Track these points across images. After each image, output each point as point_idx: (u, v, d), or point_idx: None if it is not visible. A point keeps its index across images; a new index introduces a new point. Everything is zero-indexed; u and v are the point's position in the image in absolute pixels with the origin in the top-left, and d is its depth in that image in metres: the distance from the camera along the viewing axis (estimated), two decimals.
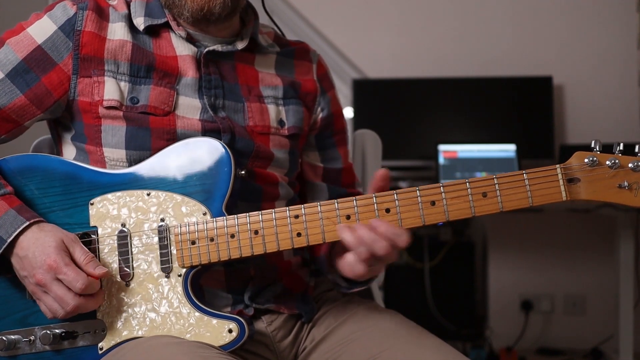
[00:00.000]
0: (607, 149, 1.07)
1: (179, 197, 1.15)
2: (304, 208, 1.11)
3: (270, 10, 1.49)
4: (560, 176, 1.06)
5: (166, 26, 1.26)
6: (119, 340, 1.13)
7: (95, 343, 1.13)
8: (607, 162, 1.05)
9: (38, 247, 1.09)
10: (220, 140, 1.18)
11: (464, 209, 1.07)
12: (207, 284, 1.20)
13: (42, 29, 1.21)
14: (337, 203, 1.10)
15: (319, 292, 1.36)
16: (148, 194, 1.16)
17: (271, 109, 1.31)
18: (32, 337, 1.14)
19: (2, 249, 1.10)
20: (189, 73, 1.24)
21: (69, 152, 1.26)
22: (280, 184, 1.30)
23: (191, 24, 1.26)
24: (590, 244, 3.51)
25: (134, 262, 1.15)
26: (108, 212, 1.16)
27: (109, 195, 1.16)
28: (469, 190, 1.07)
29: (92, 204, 1.17)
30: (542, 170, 1.07)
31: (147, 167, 1.17)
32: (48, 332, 1.12)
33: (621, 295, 2.93)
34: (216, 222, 1.13)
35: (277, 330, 1.25)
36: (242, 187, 1.20)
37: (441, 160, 3.05)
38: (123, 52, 1.21)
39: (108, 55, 1.21)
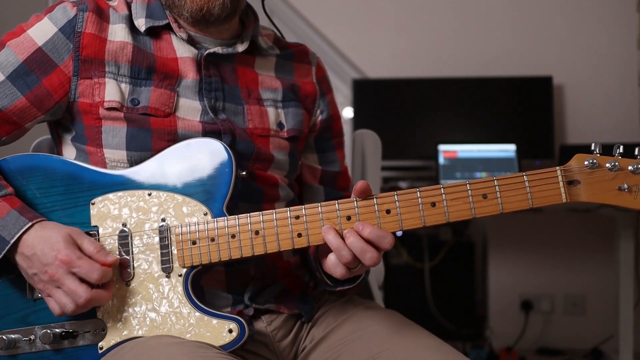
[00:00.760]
0: (607, 149, 1.07)
1: (180, 197, 1.15)
2: (304, 209, 1.11)
3: (270, 10, 1.50)
4: (560, 178, 1.07)
5: (167, 28, 1.26)
6: (119, 340, 1.13)
7: (95, 342, 1.13)
8: (607, 165, 1.05)
9: (46, 244, 1.09)
10: (221, 141, 1.18)
11: (464, 210, 1.07)
12: (208, 284, 1.20)
13: (42, 31, 1.21)
14: (338, 204, 1.10)
15: (319, 292, 1.36)
16: (149, 194, 1.16)
17: (270, 111, 1.31)
18: (32, 337, 1.14)
19: (5, 250, 1.10)
20: (190, 75, 1.24)
21: (69, 153, 1.26)
22: (281, 186, 1.30)
23: (191, 24, 1.27)
24: (590, 244, 3.51)
25: (134, 261, 1.15)
26: (109, 212, 1.16)
27: (110, 195, 1.17)
28: (469, 191, 1.08)
29: (93, 204, 1.17)
30: (542, 172, 1.08)
31: (148, 168, 1.18)
32: (48, 331, 1.13)
33: (621, 295, 2.93)
34: (217, 222, 1.13)
35: (277, 330, 1.25)
36: (242, 188, 1.20)
37: (441, 160, 3.05)
38: (124, 54, 1.22)
39: (109, 56, 1.21)
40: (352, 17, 3.66)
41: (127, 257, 1.15)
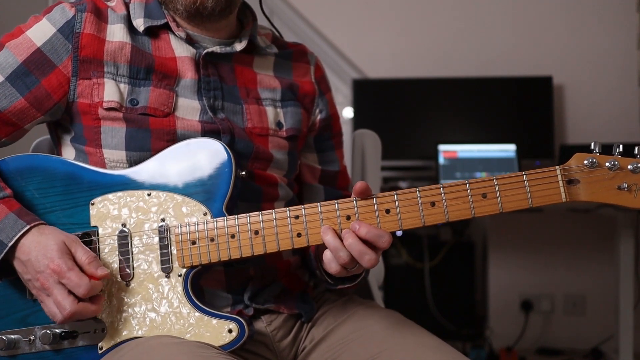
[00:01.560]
0: (607, 149, 1.07)
1: (179, 198, 1.15)
2: (304, 208, 1.11)
3: (270, 10, 1.50)
4: (559, 177, 1.07)
5: (165, 27, 1.26)
6: (118, 340, 1.13)
7: (95, 343, 1.13)
8: (607, 164, 1.05)
9: (40, 251, 1.08)
10: (220, 141, 1.18)
11: (463, 209, 1.07)
12: (207, 284, 1.20)
13: (41, 32, 1.21)
14: (338, 204, 1.10)
15: (319, 292, 1.36)
16: (149, 194, 1.16)
17: (269, 111, 1.31)
18: (32, 337, 1.14)
19: (3, 253, 1.10)
20: (188, 74, 1.24)
21: (69, 154, 1.26)
22: (280, 185, 1.30)
23: (187, 20, 1.27)
24: (590, 244, 3.51)
25: (134, 262, 1.15)
26: (109, 212, 1.16)
27: (110, 196, 1.17)
28: (468, 191, 1.07)
29: (92, 204, 1.17)
30: (541, 171, 1.08)
31: (148, 168, 1.17)
32: (48, 331, 1.13)
33: (621, 295, 2.93)
34: (216, 222, 1.13)
35: (276, 330, 1.25)
36: (242, 187, 1.20)
37: (441, 160, 3.05)
38: (122, 54, 1.22)
39: (107, 57, 1.21)
40: (352, 17, 3.66)
41: (126, 257, 1.15)
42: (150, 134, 1.20)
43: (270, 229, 1.12)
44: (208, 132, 1.22)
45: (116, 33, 1.23)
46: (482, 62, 3.54)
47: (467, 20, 3.60)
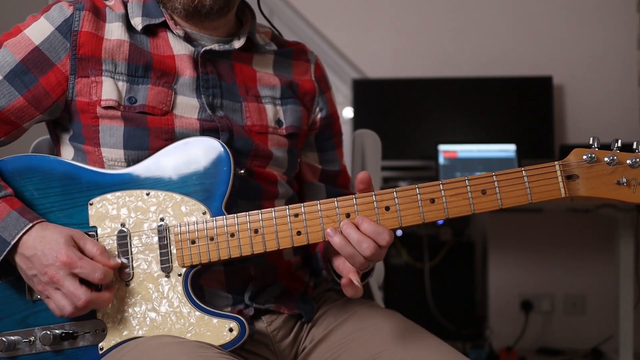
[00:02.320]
0: (606, 148, 1.07)
1: (178, 197, 1.15)
2: (303, 207, 1.11)
3: (270, 10, 1.50)
4: (559, 173, 1.07)
5: (164, 25, 1.26)
6: (119, 340, 1.13)
7: (95, 343, 1.13)
8: (606, 159, 1.05)
9: (46, 245, 1.08)
10: (219, 139, 1.18)
11: (463, 206, 1.07)
12: (207, 284, 1.20)
13: (39, 30, 1.20)
14: (337, 201, 1.10)
15: (319, 292, 1.36)
16: (147, 194, 1.16)
17: (269, 108, 1.31)
18: (32, 338, 1.14)
19: (6, 251, 1.09)
20: (187, 72, 1.24)
21: (67, 153, 1.26)
22: (280, 183, 1.30)
23: (185, 18, 1.27)
24: (590, 244, 3.51)
25: (133, 262, 1.15)
26: (107, 212, 1.16)
27: (108, 195, 1.16)
28: (468, 187, 1.07)
29: (91, 204, 1.16)
30: (540, 167, 1.08)
31: (146, 167, 1.17)
32: (48, 332, 1.12)
33: (621, 295, 2.93)
34: (216, 221, 1.13)
35: (277, 330, 1.24)
36: (241, 186, 1.20)
37: (441, 160, 3.04)
38: (120, 52, 1.21)
39: (105, 55, 1.21)
40: (352, 17, 3.66)
41: (126, 257, 1.15)
42: (149, 133, 1.19)
43: (269, 228, 1.11)
44: (206, 130, 1.22)
45: (114, 31, 1.23)
46: (482, 62, 3.54)
47: (467, 20, 3.60)
